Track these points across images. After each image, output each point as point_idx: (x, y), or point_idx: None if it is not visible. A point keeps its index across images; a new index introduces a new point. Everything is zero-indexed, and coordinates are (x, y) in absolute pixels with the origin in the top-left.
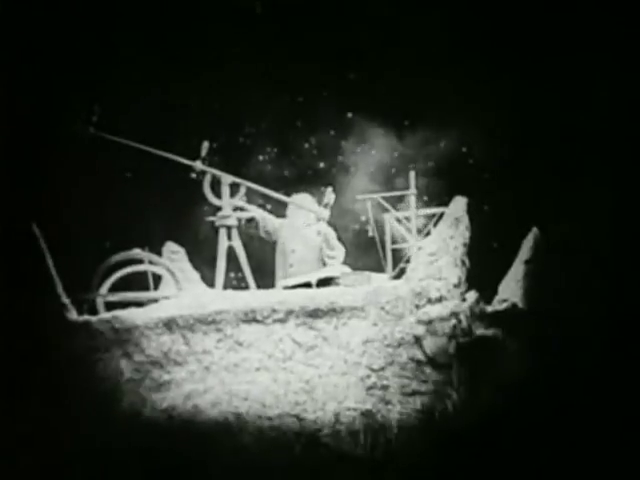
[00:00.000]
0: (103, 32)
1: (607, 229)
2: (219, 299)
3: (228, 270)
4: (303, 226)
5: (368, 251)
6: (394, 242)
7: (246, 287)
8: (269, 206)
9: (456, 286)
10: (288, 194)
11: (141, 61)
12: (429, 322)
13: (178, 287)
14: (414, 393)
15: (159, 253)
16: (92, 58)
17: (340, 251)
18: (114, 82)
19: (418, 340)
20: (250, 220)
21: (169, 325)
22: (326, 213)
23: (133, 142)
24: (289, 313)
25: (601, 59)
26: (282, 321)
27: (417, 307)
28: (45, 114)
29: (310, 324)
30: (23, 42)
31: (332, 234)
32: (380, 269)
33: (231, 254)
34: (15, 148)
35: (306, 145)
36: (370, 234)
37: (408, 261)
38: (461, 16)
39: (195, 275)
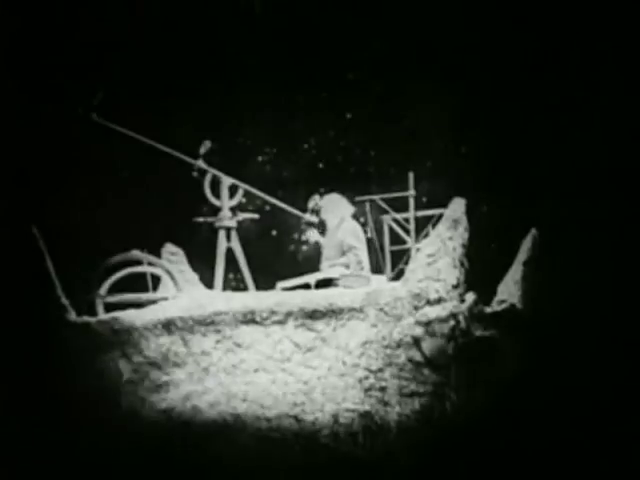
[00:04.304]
0: (103, 32)
1: (606, 230)
2: (218, 300)
3: (227, 271)
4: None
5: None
6: (393, 243)
7: (245, 288)
8: (267, 207)
9: (455, 287)
10: (288, 195)
11: (141, 61)
12: (428, 323)
13: (177, 288)
14: (413, 394)
15: (158, 254)
16: (91, 58)
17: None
18: (114, 82)
19: (417, 341)
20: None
21: (168, 326)
22: (314, 218)
23: (131, 133)
24: (288, 314)
25: (601, 59)
26: (281, 322)
27: (416, 308)
28: (44, 114)
29: (309, 325)
30: (22, 38)
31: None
32: (379, 270)
33: (230, 255)
34: (15, 148)
35: (305, 146)
36: (369, 235)
37: (407, 262)
38: (461, 17)
39: (194, 276)
